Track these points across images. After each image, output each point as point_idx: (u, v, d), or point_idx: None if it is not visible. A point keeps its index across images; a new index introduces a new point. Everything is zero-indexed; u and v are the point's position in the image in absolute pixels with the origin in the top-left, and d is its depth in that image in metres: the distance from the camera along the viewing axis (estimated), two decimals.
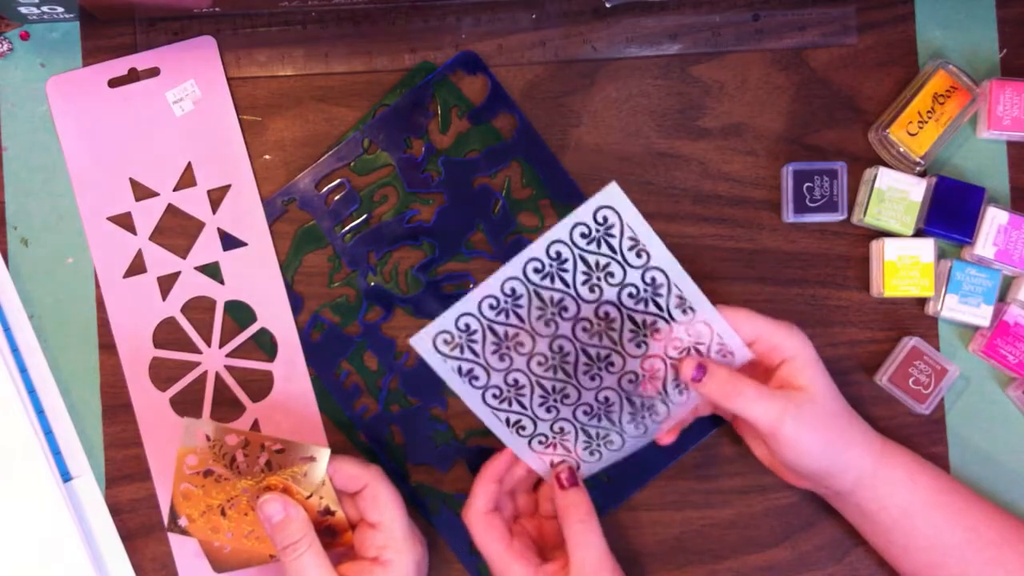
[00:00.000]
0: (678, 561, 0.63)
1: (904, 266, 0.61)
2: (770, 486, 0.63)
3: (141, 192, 0.63)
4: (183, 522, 0.57)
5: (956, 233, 0.61)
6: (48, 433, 0.61)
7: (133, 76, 0.63)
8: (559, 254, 0.53)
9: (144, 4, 0.61)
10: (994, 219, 0.61)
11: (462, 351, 0.54)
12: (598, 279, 0.54)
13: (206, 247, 0.63)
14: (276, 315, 0.62)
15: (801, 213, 0.62)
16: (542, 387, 0.55)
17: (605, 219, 0.53)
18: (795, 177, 0.62)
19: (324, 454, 0.55)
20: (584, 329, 0.55)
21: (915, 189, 0.61)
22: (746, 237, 0.63)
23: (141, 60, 0.63)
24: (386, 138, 0.62)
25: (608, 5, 0.62)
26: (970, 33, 0.64)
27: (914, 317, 0.63)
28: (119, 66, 0.63)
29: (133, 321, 0.62)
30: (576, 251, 0.53)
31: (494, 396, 0.55)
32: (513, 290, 0.53)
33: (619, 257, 0.54)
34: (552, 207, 0.63)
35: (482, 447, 0.62)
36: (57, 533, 0.60)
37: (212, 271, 0.63)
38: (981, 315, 0.61)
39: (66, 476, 0.61)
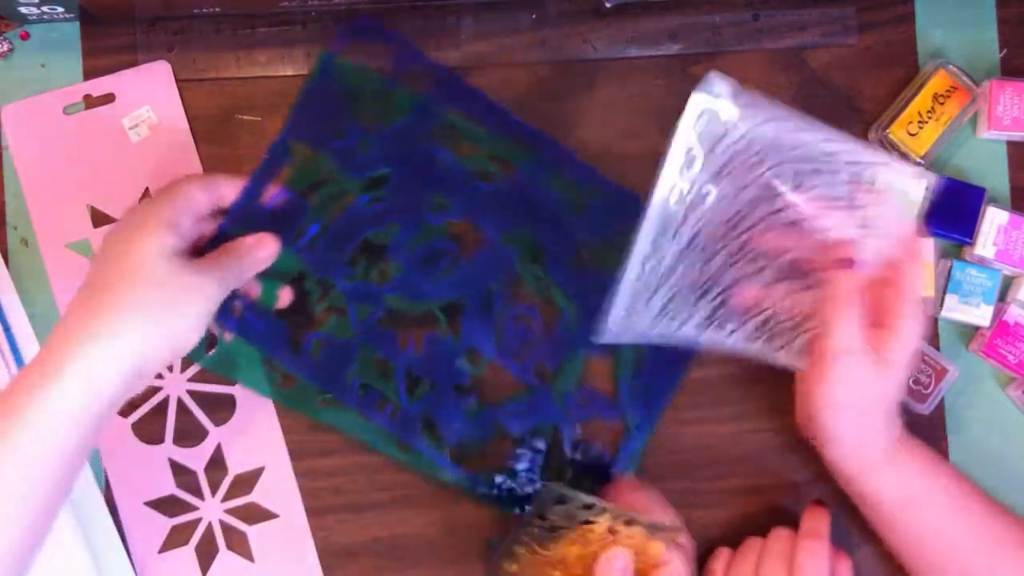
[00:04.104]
0: None
1: None
2: (770, 486, 0.63)
3: (99, 219, 0.62)
4: (512, 567, 0.56)
5: (956, 233, 0.61)
6: None
7: (88, 103, 0.62)
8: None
9: (144, 4, 0.61)
10: (994, 219, 0.61)
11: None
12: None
13: None
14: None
15: None
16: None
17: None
18: None
19: (671, 530, 0.54)
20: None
21: (915, 189, 0.61)
22: None
23: (95, 87, 0.63)
24: (312, 134, 0.59)
25: (608, 5, 0.62)
26: (970, 33, 0.64)
27: None
28: (73, 93, 0.62)
29: None
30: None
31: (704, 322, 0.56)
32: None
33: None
34: (495, 143, 0.61)
35: (517, 408, 0.61)
36: (57, 533, 0.60)
37: None
38: (981, 315, 0.61)
39: None
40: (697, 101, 0.52)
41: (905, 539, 0.57)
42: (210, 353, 0.60)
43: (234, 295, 0.55)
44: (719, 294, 0.57)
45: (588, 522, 0.54)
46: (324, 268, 0.60)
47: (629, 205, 0.60)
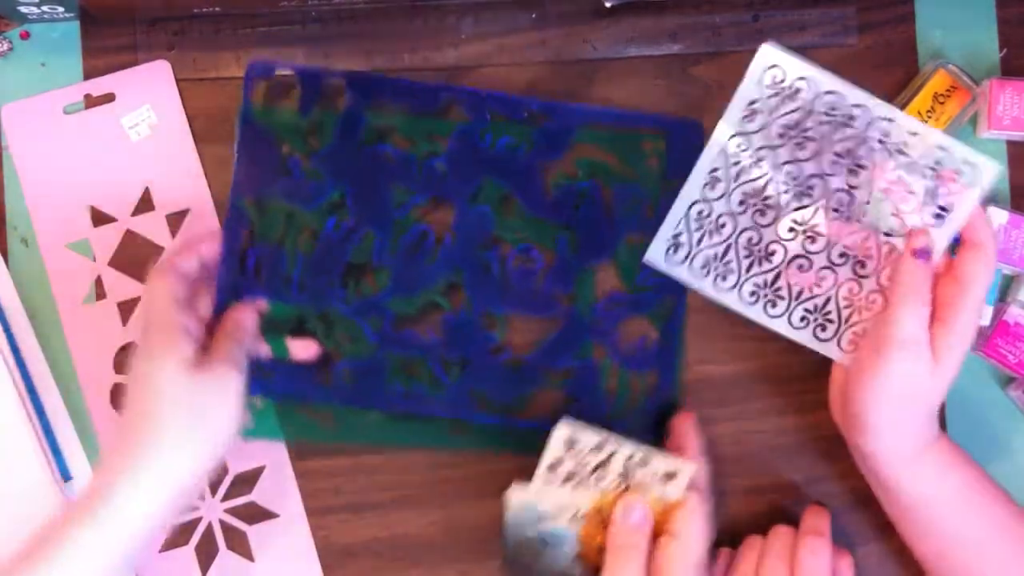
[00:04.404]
0: None
1: None
2: (770, 486, 0.63)
3: (99, 218, 0.62)
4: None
5: (956, 233, 0.61)
6: (48, 433, 0.61)
7: (88, 102, 0.63)
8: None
9: (144, 4, 0.61)
10: (994, 219, 0.61)
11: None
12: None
13: None
14: None
15: None
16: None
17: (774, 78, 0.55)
18: None
19: (687, 471, 0.54)
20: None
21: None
22: None
23: (96, 86, 0.63)
24: (257, 188, 0.60)
25: (608, 5, 0.62)
26: (970, 33, 0.64)
27: None
28: (73, 93, 0.63)
29: (94, 347, 0.62)
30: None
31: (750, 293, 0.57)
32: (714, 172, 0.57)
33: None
34: (423, 122, 0.61)
35: (553, 344, 0.61)
36: None
37: None
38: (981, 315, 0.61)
39: (66, 476, 0.61)
40: (766, 52, 0.53)
41: (925, 536, 0.56)
42: None
43: (251, 361, 0.57)
44: (772, 269, 0.57)
45: (602, 465, 0.54)
46: (321, 303, 0.60)
47: (566, 113, 0.61)
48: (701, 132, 0.61)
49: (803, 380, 0.62)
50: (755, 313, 0.59)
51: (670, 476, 0.54)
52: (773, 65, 0.55)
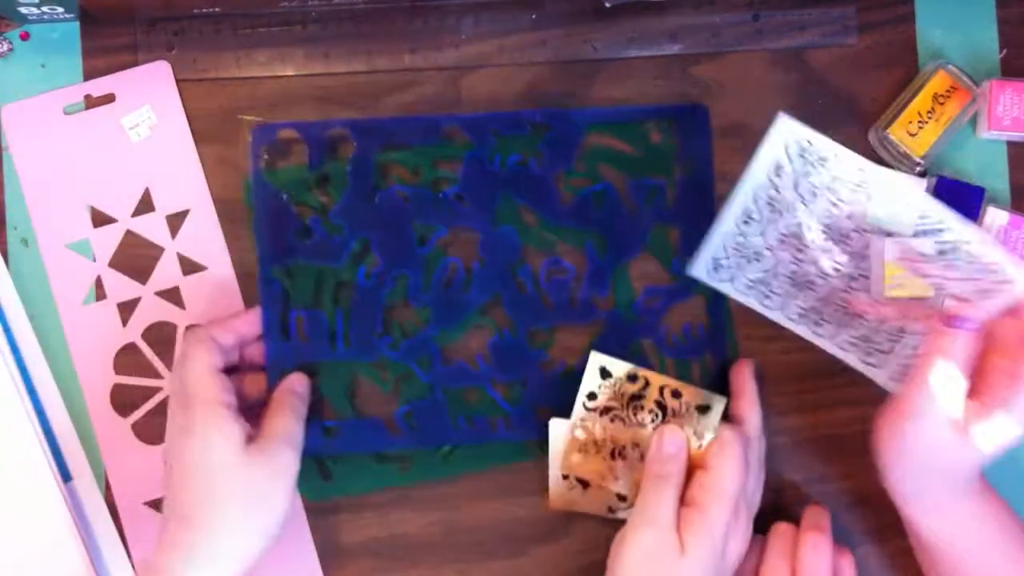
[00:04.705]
0: None
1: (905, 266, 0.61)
2: (770, 486, 0.63)
3: (99, 219, 0.62)
4: (574, 457, 0.57)
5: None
6: (48, 433, 0.61)
7: (88, 103, 0.63)
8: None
9: (144, 4, 0.61)
10: (994, 219, 0.61)
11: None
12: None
13: (166, 272, 0.62)
14: None
15: None
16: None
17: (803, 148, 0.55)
18: None
19: (720, 404, 0.54)
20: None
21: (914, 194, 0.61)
22: None
23: (96, 87, 0.63)
24: (282, 253, 0.61)
25: (608, 5, 0.62)
26: (970, 33, 0.64)
27: None
28: (73, 93, 0.63)
29: (93, 347, 0.62)
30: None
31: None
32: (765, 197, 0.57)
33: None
34: (428, 152, 0.61)
35: (601, 347, 0.60)
36: (57, 534, 0.60)
37: (172, 296, 0.62)
38: None
39: (66, 476, 0.61)
40: (784, 125, 0.54)
41: (936, 564, 0.55)
42: None
43: (314, 420, 0.58)
44: (815, 297, 0.58)
45: (637, 397, 0.55)
46: (369, 353, 0.61)
47: (566, 121, 0.62)
48: (707, 115, 0.62)
49: (803, 380, 0.62)
50: (802, 331, 0.59)
51: (703, 409, 0.54)
52: (791, 139, 0.55)
